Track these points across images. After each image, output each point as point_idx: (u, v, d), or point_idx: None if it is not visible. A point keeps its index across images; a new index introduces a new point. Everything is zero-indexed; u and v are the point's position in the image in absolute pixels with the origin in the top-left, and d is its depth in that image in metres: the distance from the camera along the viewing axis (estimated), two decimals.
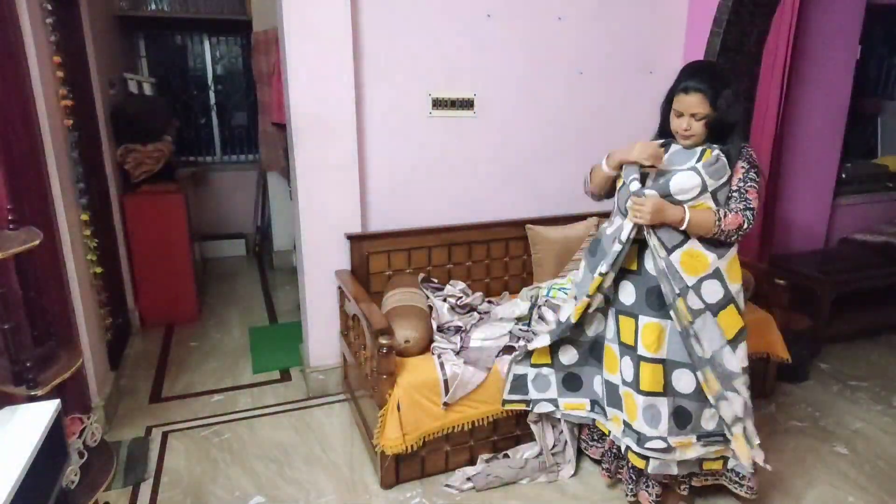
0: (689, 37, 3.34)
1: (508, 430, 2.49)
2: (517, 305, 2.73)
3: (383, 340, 2.17)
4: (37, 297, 1.82)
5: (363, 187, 2.90)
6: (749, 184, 1.96)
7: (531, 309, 2.69)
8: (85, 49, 3.27)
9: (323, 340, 3.00)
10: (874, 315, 3.80)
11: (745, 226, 1.92)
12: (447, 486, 2.35)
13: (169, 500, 2.29)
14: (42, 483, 1.42)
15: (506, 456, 2.43)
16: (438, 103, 2.97)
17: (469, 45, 2.96)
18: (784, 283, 2.91)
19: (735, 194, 1.96)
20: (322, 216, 2.82)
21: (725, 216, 1.91)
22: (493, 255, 3.15)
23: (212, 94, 5.62)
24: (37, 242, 1.64)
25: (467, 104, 3.03)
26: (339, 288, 2.86)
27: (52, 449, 1.48)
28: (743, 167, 1.97)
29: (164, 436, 2.70)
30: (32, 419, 1.50)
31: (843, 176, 4.09)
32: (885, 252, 3.88)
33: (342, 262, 2.89)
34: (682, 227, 1.91)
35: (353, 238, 2.86)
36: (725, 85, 1.92)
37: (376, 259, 2.92)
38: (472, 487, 2.33)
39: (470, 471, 2.38)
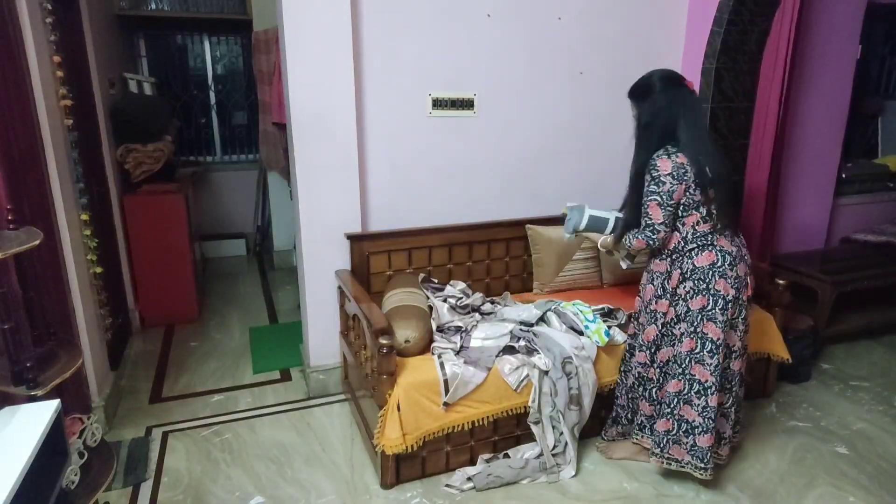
0: (689, 37, 3.34)
1: (509, 430, 2.49)
2: (528, 310, 2.68)
3: (383, 340, 2.16)
4: (37, 297, 1.81)
5: (363, 187, 2.90)
6: (648, 198, 2.15)
7: (541, 319, 2.66)
8: (85, 49, 3.27)
9: (323, 340, 3.00)
10: (875, 315, 3.79)
11: (650, 244, 2.17)
12: (447, 486, 2.35)
13: (169, 500, 2.29)
14: (42, 483, 1.42)
15: (506, 456, 2.43)
16: (438, 103, 2.97)
17: (469, 45, 2.95)
18: (785, 282, 2.91)
19: (643, 206, 2.18)
20: (322, 216, 2.82)
21: (629, 241, 2.22)
22: (494, 255, 3.15)
23: (212, 94, 5.62)
24: (37, 242, 1.63)
25: (467, 104, 3.03)
26: (339, 288, 2.86)
27: (52, 449, 1.48)
28: (646, 180, 2.16)
29: (165, 436, 2.70)
30: (32, 419, 1.50)
31: (844, 176, 4.08)
32: (886, 252, 3.88)
33: (342, 262, 2.89)
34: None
35: (353, 238, 2.86)
36: (642, 98, 2.24)
37: (376, 259, 2.92)
38: (472, 487, 2.33)
39: (470, 471, 2.38)
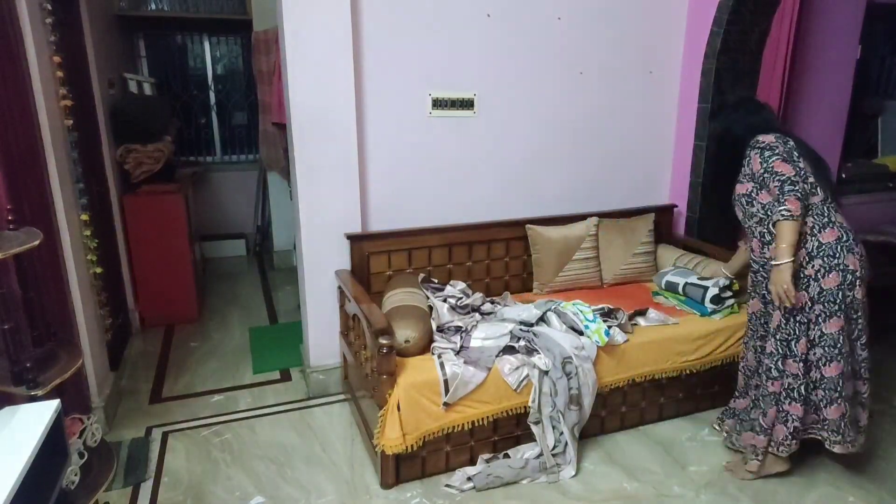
0: (689, 37, 3.34)
1: (509, 430, 2.49)
2: (528, 310, 2.67)
3: (383, 340, 2.16)
4: (37, 297, 1.82)
5: (363, 187, 2.90)
6: (769, 162, 2.15)
7: (540, 319, 2.66)
8: (85, 49, 3.27)
9: (323, 340, 3.00)
10: (875, 315, 3.78)
11: (798, 197, 2.07)
12: (447, 486, 2.35)
13: (169, 500, 2.29)
14: (42, 483, 1.42)
15: (506, 456, 2.43)
16: (438, 103, 2.97)
17: (469, 45, 2.95)
18: None
19: (767, 177, 2.17)
20: (322, 216, 2.82)
21: (783, 210, 2.08)
22: (494, 255, 3.15)
23: (212, 94, 5.62)
24: (37, 242, 1.63)
25: (467, 104, 3.03)
26: (339, 288, 2.86)
27: (52, 449, 1.48)
28: (758, 162, 2.19)
29: (165, 436, 2.70)
30: (32, 419, 1.50)
31: (844, 176, 4.09)
32: (886, 252, 3.88)
33: (342, 262, 2.89)
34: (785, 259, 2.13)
35: (353, 238, 2.86)
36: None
37: (376, 259, 2.92)
38: (472, 487, 2.33)
39: (470, 471, 2.38)
